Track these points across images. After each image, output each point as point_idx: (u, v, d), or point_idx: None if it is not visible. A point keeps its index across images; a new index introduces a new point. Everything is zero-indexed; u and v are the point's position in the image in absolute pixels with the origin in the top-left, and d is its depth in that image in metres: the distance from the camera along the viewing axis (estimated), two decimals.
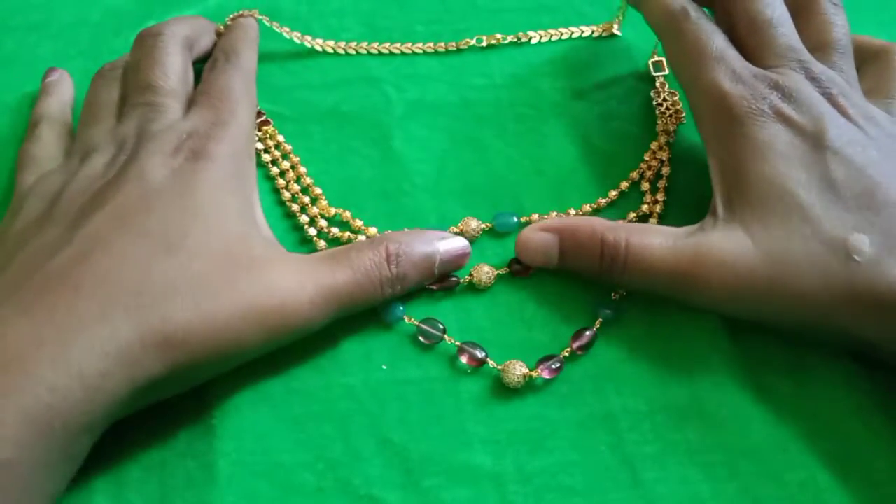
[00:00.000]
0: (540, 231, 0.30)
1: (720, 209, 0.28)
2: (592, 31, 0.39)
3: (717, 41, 0.30)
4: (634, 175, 0.34)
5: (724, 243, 0.27)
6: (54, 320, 0.23)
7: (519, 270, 0.31)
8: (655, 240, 0.28)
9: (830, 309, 0.26)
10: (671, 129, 0.35)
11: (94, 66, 0.35)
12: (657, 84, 0.37)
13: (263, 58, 0.37)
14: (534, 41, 0.39)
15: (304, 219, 0.32)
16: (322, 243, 0.32)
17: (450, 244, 0.30)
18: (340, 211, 0.32)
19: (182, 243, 0.26)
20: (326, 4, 0.40)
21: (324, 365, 0.29)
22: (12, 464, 0.21)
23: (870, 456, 0.27)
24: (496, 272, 0.31)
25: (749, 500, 0.26)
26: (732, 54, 0.30)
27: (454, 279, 0.31)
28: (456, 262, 0.30)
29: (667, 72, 0.37)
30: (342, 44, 0.38)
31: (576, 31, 0.39)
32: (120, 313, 0.24)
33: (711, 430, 0.27)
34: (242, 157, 0.30)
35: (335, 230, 0.32)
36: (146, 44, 0.33)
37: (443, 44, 0.38)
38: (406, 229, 0.31)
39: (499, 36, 0.39)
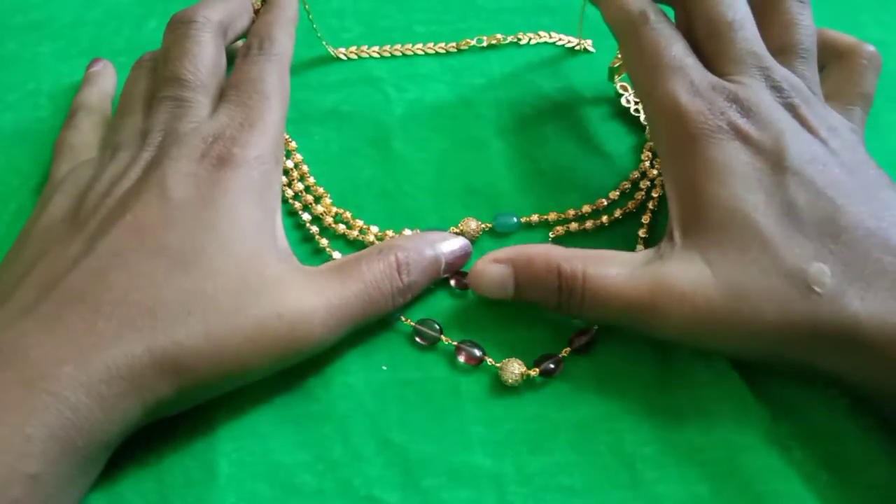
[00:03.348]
0: (493, 263, 0.28)
1: (677, 234, 0.27)
2: (578, 44, 0.39)
3: (676, 49, 0.29)
4: (635, 175, 0.34)
5: (682, 273, 0.26)
6: (75, 340, 0.24)
7: None
8: (612, 270, 0.27)
9: (792, 342, 0.25)
10: None
11: None
12: (618, 86, 0.37)
13: None
14: (533, 42, 0.39)
15: (305, 216, 0.32)
16: (324, 241, 0.32)
17: (452, 245, 0.30)
18: (341, 211, 0.32)
19: (197, 261, 0.26)
20: (326, 4, 0.40)
21: (324, 365, 0.29)
22: (39, 478, 0.22)
23: (865, 458, 0.27)
24: None
25: (749, 499, 0.26)
26: (691, 63, 0.29)
27: (467, 281, 0.30)
28: (459, 263, 0.30)
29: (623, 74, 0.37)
30: (365, 47, 0.38)
31: (573, 41, 0.39)
32: (134, 335, 0.24)
33: (711, 429, 0.27)
34: (269, 161, 0.29)
35: (342, 227, 0.32)
36: (177, 32, 0.32)
37: (443, 44, 0.38)
38: (409, 233, 0.32)
39: (499, 36, 0.39)
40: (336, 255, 0.31)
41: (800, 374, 0.27)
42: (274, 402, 0.28)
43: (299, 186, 0.33)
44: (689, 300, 0.26)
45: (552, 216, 0.33)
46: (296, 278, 0.27)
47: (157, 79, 0.32)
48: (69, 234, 0.27)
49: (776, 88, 0.28)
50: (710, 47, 0.30)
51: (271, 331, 0.26)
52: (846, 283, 0.25)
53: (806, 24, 0.30)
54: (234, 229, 0.27)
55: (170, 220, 0.26)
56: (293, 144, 0.35)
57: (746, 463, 0.26)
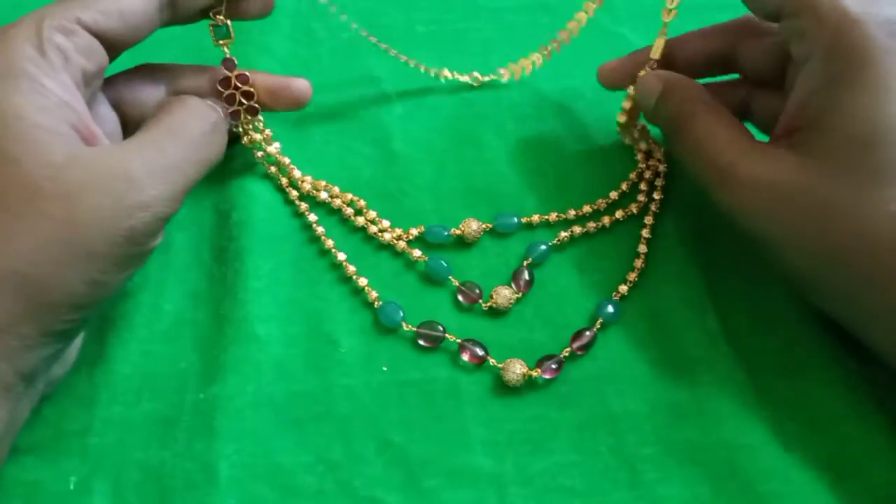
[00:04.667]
0: (653, 76, 0.31)
1: (798, 131, 0.27)
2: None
3: None
4: (634, 176, 0.34)
5: (786, 158, 0.26)
6: None
7: (521, 288, 0.31)
8: (724, 122, 0.28)
9: (860, 257, 0.25)
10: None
11: None
12: (623, 103, 0.34)
13: (264, 58, 0.37)
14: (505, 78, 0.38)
15: (312, 217, 0.32)
16: (330, 242, 0.31)
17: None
18: (355, 199, 0.32)
19: None
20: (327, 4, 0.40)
21: (324, 366, 0.29)
22: None
23: (867, 458, 0.27)
24: (515, 295, 0.30)
25: (751, 499, 0.26)
26: None
27: (477, 293, 0.30)
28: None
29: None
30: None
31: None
32: None
33: (712, 429, 0.27)
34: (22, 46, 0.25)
35: (360, 219, 0.32)
36: None
37: (447, 70, 0.37)
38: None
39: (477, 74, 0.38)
40: (341, 256, 0.31)
41: (823, 308, 0.27)
42: (274, 403, 0.28)
43: (306, 187, 0.33)
44: (776, 190, 0.26)
45: (553, 216, 0.33)
46: (93, 164, 0.24)
47: None
48: None
49: None
50: None
51: (78, 238, 0.23)
52: None
53: None
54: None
55: None
56: (286, 160, 0.33)
57: (747, 463, 0.26)
